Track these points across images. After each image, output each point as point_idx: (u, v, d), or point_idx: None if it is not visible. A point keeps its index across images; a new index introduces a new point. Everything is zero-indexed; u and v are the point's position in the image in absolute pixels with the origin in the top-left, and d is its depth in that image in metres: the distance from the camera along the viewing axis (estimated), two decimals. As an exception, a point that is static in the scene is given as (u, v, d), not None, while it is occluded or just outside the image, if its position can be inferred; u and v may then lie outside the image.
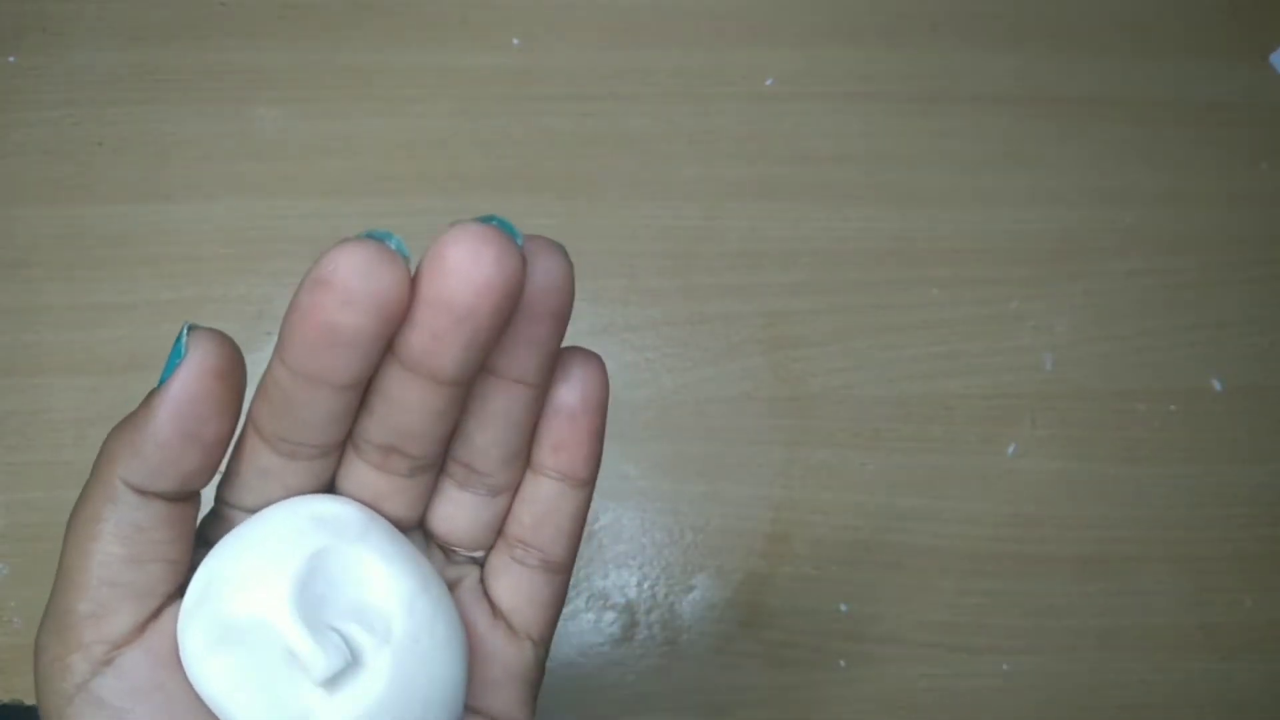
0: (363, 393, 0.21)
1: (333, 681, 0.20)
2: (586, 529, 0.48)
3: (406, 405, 0.21)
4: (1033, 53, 0.57)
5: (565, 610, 0.47)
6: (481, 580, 0.25)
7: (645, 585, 0.47)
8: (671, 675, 0.46)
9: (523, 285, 0.19)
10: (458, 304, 0.18)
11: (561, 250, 0.21)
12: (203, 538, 0.23)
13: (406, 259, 0.19)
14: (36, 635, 0.22)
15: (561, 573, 0.25)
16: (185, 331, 0.20)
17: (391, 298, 0.18)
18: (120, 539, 0.21)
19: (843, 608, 0.48)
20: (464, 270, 0.18)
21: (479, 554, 0.25)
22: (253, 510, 0.22)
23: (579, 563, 0.47)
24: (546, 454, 0.23)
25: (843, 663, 0.47)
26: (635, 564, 0.48)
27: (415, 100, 0.53)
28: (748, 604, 0.47)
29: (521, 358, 0.21)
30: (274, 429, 0.21)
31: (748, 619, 0.47)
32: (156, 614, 0.22)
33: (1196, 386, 0.52)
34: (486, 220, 0.19)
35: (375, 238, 0.19)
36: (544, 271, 0.20)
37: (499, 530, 0.24)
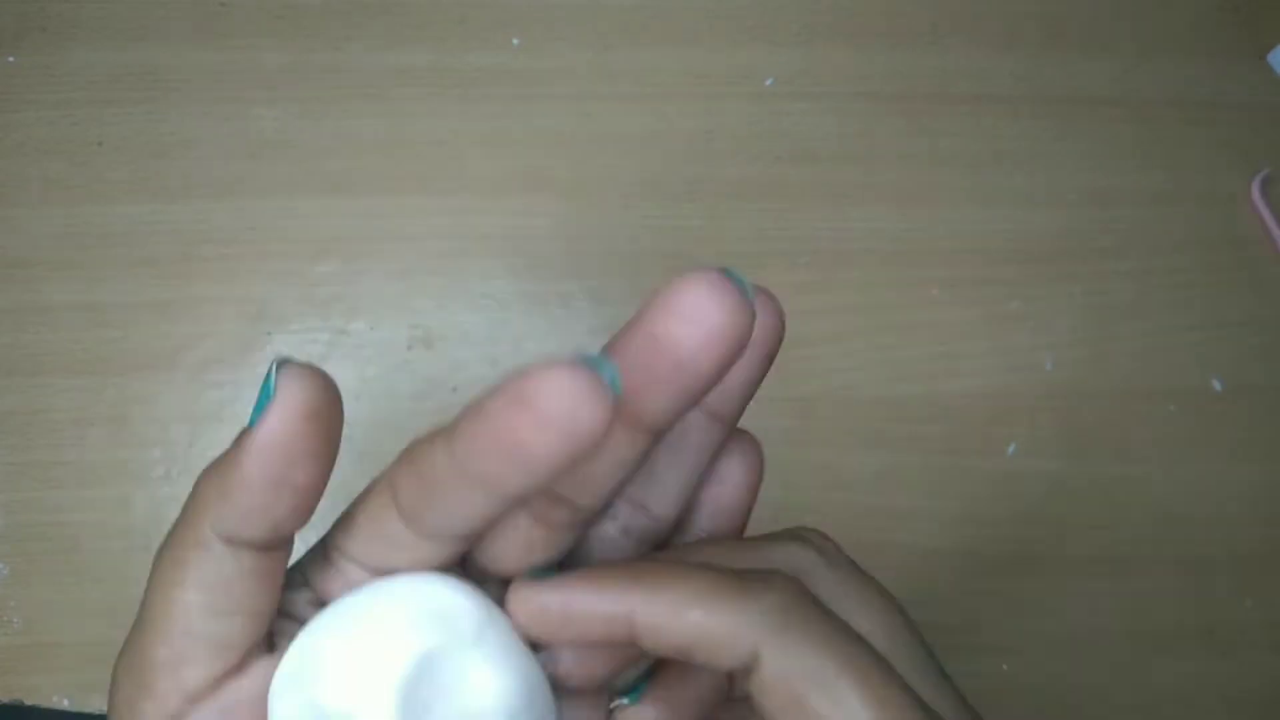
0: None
1: None
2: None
3: (595, 451, 0.19)
4: (1032, 53, 0.57)
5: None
6: None
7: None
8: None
9: (747, 341, 0.18)
10: (682, 348, 0.18)
11: (774, 299, 0.21)
12: (300, 577, 0.22)
13: (617, 395, 0.17)
14: (114, 667, 0.21)
15: None
16: (274, 368, 0.19)
17: (594, 434, 0.17)
18: (203, 588, 0.20)
19: (843, 608, 0.48)
20: (697, 314, 0.18)
21: None
22: (366, 565, 0.21)
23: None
24: (704, 519, 0.24)
25: (843, 663, 0.47)
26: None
27: (415, 100, 0.53)
28: (748, 604, 0.47)
29: (730, 398, 0.22)
30: (415, 508, 0.19)
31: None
32: (237, 669, 0.20)
33: (1196, 386, 0.52)
34: (725, 272, 0.18)
35: (590, 365, 0.17)
36: (764, 321, 0.21)
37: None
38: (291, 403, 0.18)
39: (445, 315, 0.49)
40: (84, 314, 0.49)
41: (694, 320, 0.18)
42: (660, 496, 0.22)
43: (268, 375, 0.19)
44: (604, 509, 0.22)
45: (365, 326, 0.49)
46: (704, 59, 0.55)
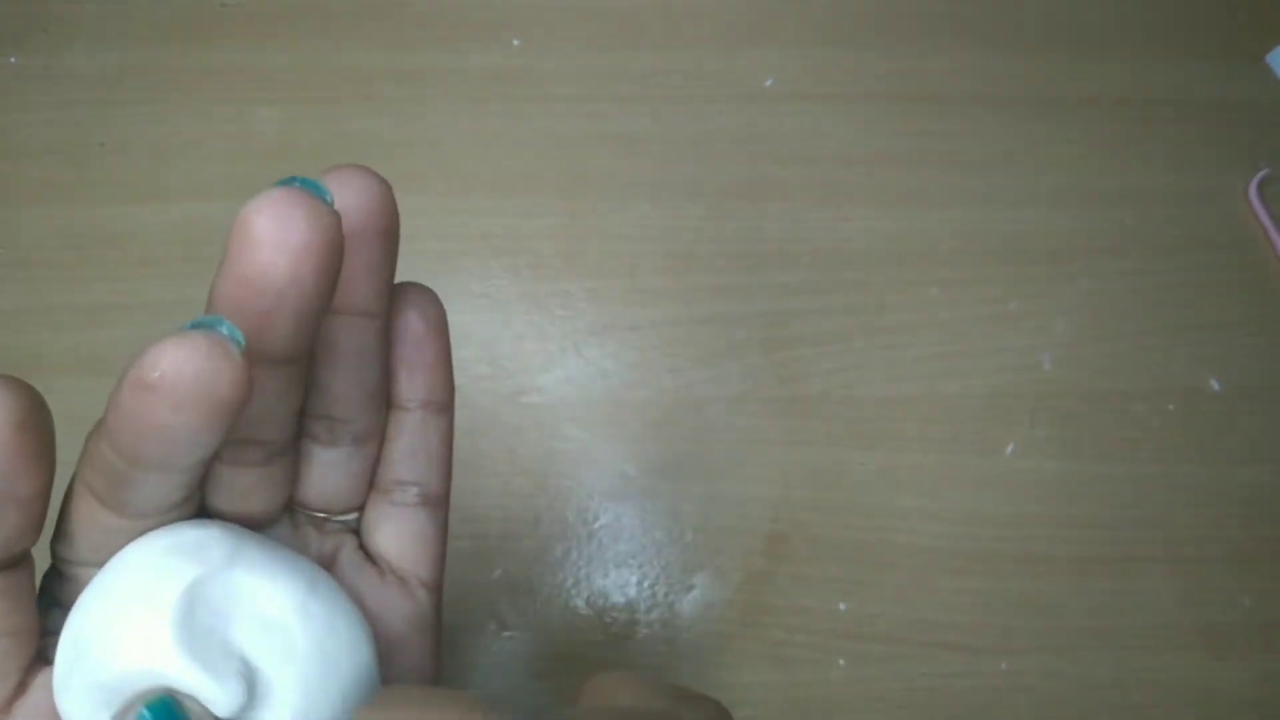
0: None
1: (244, 711, 0.19)
2: (587, 527, 0.48)
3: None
4: (1031, 54, 0.57)
5: (565, 606, 0.47)
6: (360, 544, 0.24)
7: (645, 584, 0.48)
8: (671, 674, 0.46)
9: (341, 239, 0.18)
10: (276, 276, 0.17)
11: (368, 171, 0.20)
12: (49, 599, 0.21)
13: (241, 346, 0.17)
14: None
15: (441, 506, 0.24)
16: None
17: (230, 397, 0.17)
18: None
19: (842, 607, 0.48)
20: (275, 238, 0.17)
21: (352, 517, 0.24)
22: (98, 564, 0.20)
23: (579, 561, 0.47)
24: (403, 383, 0.23)
25: (842, 662, 0.47)
26: (635, 563, 0.48)
27: (415, 100, 0.53)
28: (747, 603, 0.47)
29: (361, 288, 0.21)
30: (112, 498, 0.19)
31: (747, 618, 0.47)
32: (21, 688, 0.20)
33: (1195, 386, 0.52)
34: (287, 183, 0.18)
35: (204, 327, 0.17)
36: (358, 196, 0.20)
37: (371, 481, 0.24)
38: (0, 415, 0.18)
39: (445, 315, 0.49)
40: (85, 314, 0.49)
41: (275, 247, 0.17)
42: (341, 403, 0.22)
43: None
44: (294, 433, 0.22)
45: (365, 326, 0.50)
46: (704, 60, 0.55)
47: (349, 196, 0.20)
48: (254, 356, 0.18)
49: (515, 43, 0.55)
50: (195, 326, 0.17)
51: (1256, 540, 0.50)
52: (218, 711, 0.19)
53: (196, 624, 0.19)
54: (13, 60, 0.53)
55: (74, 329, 0.48)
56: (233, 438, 0.20)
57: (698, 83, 0.55)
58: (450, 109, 0.53)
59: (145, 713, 0.18)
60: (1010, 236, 0.54)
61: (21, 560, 0.19)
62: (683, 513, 0.48)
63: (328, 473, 0.23)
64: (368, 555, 0.24)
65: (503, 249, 0.51)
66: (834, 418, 0.50)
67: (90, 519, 0.20)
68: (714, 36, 0.56)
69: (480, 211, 0.52)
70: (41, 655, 0.20)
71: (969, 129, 0.55)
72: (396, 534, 0.24)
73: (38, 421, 0.18)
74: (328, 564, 0.23)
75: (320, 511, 0.23)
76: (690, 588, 0.48)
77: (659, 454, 0.49)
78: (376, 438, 0.23)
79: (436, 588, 0.24)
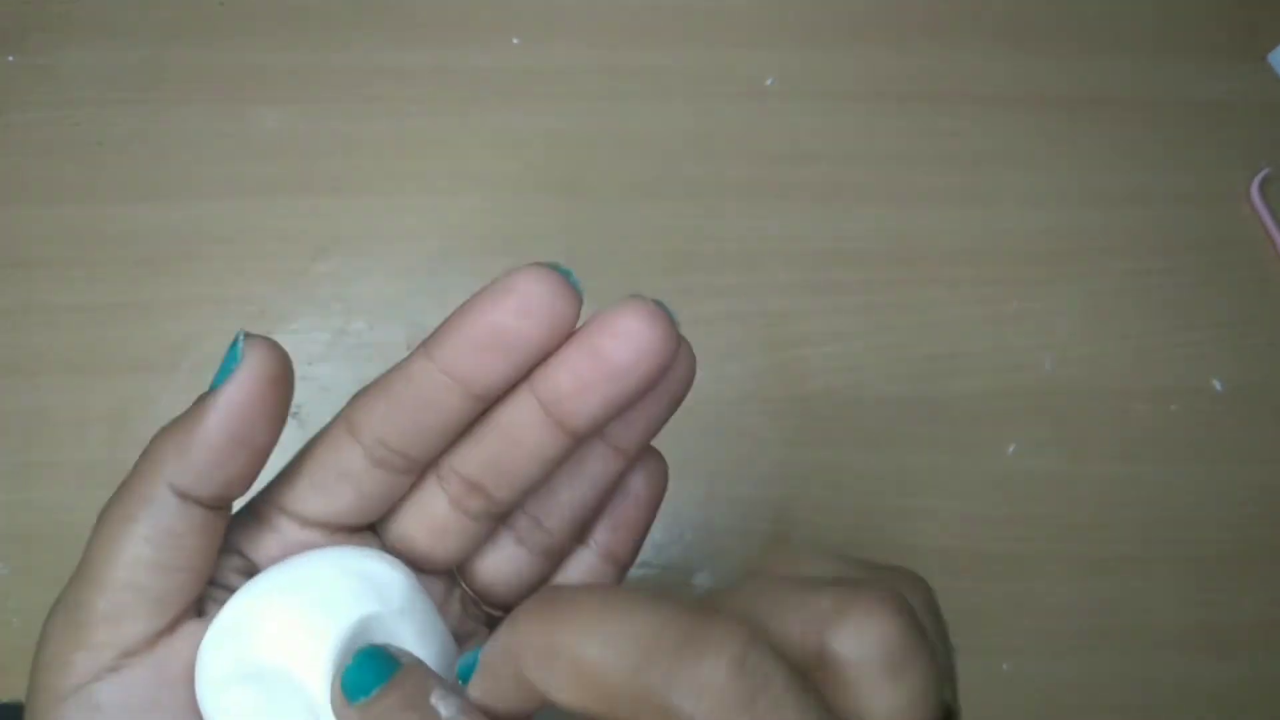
0: (479, 414, 0.21)
1: None
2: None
3: (520, 442, 0.21)
4: (1032, 53, 0.57)
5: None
6: None
7: (646, 585, 0.47)
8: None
9: (669, 367, 0.20)
10: (616, 361, 0.20)
11: (692, 352, 0.23)
12: (228, 544, 0.22)
13: (581, 297, 0.20)
14: (45, 623, 0.22)
15: None
16: (241, 338, 0.20)
17: (564, 320, 0.20)
18: (152, 542, 0.20)
19: (843, 608, 0.48)
20: (632, 334, 0.20)
21: (499, 613, 0.25)
22: (305, 518, 0.22)
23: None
24: (602, 530, 0.25)
25: (843, 663, 0.47)
26: (636, 564, 0.48)
27: (415, 100, 0.53)
28: (748, 604, 0.47)
29: (633, 430, 0.23)
30: (383, 430, 0.21)
31: (748, 619, 0.47)
32: (172, 628, 0.21)
33: (1197, 386, 0.52)
34: (661, 305, 0.20)
35: (559, 271, 0.20)
36: (681, 365, 0.22)
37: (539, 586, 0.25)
38: (258, 368, 0.20)
39: (445, 314, 0.49)
40: (84, 314, 0.49)
41: (630, 340, 0.20)
42: (555, 513, 0.24)
43: (233, 344, 0.20)
44: (512, 512, 0.23)
45: (365, 326, 0.49)
46: (704, 59, 0.55)
47: (676, 366, 0.22)
48: (552, 411, 0.21)
49: (515, 42, 0.55)
50: (552, 266, 0.20)
51: (1258, 540, 0.50)
52: None
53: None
54: (11, 59, 0.52)
55: (73, 328, 0.48)
56: (473, 474, 0.22)
57: (699, 82, 0.55)
58: (450, 108, 0.53)
59: (360, 660, 0.20)
60: (1012, 236, 0.54)
61: (225, 507, 0.21)
62: (683, 513, 0.48)
63: (506, 566, 0.24)
64: None
65: (503, 248, 0.51)
66: (835, 418, 0.50)
67: (334, 461, 0.22)
68: (715, 36, 0.56)
69: (480, 211, 0.52)
70: (199, 605, 0.22)
71: (970, 129, 0.55)
72: None
73: (286, 382, 0.21)
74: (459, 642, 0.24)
75: (479, 596, 0.25)
76: (691, 588, 0.47)
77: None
78: (558, 559, 0.25)
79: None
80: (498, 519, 0.23)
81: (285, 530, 0.22)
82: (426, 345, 0.21)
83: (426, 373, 0.21)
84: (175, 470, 0.20)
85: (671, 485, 0.50)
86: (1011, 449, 0.50)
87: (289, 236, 0.50)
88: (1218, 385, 0.52)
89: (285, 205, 0.51)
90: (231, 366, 0.20)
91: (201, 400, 0.21)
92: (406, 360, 0.21)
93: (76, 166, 0.51)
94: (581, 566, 0.25)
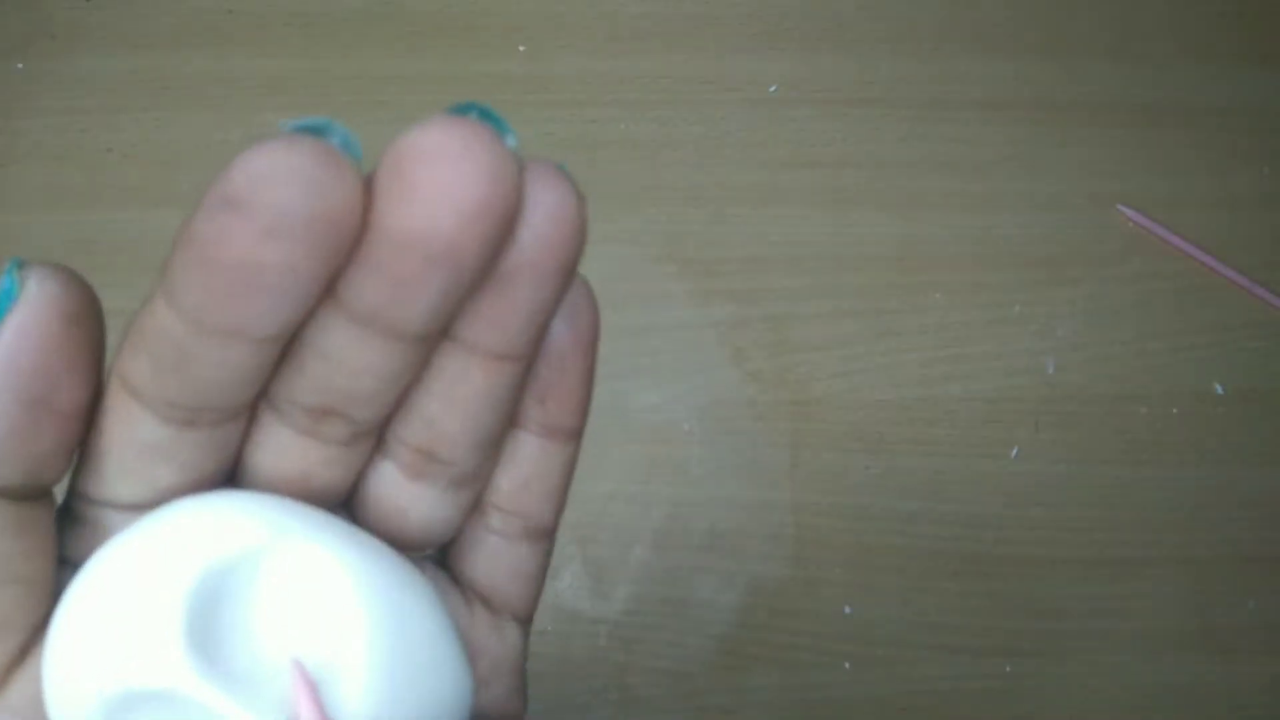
0: (288, 342, 0.15)
1: None
2: (591, 531, 0.48)
3: (353, 365, 0.15)
4: (1033, 58, 0.57)
5: (570, 608, 0.47)
6: (446, 564, 0.20)
7: (649, 588, 0.48)
8: (675, 678, 0.47)
9: (518, 205, 0.14)
10: (433, 239, 0.13)
11: (567, 178, 0.15)
12: (61, 559, 0.17)
13: (357, 161, 0.13)
14: None
15: (547, 539, 0.20)
16: (13, 267, 0.15)
17: (338, 220, 0.13)
18: None
19: (847, 610, 0.48)
20: (441, 189, 0.13)
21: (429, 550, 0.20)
22: (124, 503, 0.16)
23: (584, 564, 0.48)
24: (531, 408, 0.18)
25: (847, 664, 0.47)
26: (638, 566, 0.48)
27: (422, 107, 0.53)
28: (751, 607, 0.48)
29: (511, 328, 0.16)
30: (161, 392, 0.15)
31: (752, 622, 0.48)
32: (19, 659, 0.16)
33: (1198, 389, 0.52)
34: (464, 110, 0.14)
35: (312, 130, 0.13)
36: (545, 210, 0.15)
37: (462, 521, 0.19)
38: (46, 304, 0.14)
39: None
40: (93, 319, 0.49)
41: (439, 194, 0.13)
42: (447, 444, 0.17)
43: (7, 274, 0.14)
44: (384, 422, 0.17)
45: (372, 331, 0.50)
46: (708, 66, 0.56)
47: (534, 204, 0.15)
48: (375, 325, 0.15)
49: (521, 49, 0.55)
50: (301, 130, 0.13)
51: (1261, 543, 0.50)
52: None
53: (220, 623, 0.15)
54: (20, 67, 0.53)
55: (83, 334, 0.49)
56: (315, 404, 0.16)
57: (703, 88, 0.55)
58: (456, 115, 0.54)
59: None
60: (1013, 241, 0.54)
61: (43, 495, 0.16)
62: (686, 516, 0.49)
63: (411, 507, 0.18)
64: (455, 578, 0.20)
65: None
66: (838, 421, 0.50)
67: (127, 434, 0.16)
68: (719, 43, 0.56)
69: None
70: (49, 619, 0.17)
71: (971, 134, 0.56)
72: (491, 563, 0.20)
73: (90, 319, 0.15)
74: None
75: (391, 542, 0.19)
76: (694, 591, 0.48)
77: (662, 457, 0.49)
78: (480, 481, 0.19)
79: (528, 621, 0.21)
80: (371, 435, 0.17)
81: (107, 520, 0.17)
82: (164, 289, 0.14)
83: (180, 327, 0.14)
84: None
85: (675, 489, 0.51)
86: (1014, 452, 0.50)
87: (296, 242, 0.51)
88: (1219, 388, 0.52)
89: (292, 211, 0.51)
90: (4, 307, 0.14)
91: None
92: (148, 308, 0.15)
93: (85, 173, 0.51)
94: (522, 452, 0.18)
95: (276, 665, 0.15)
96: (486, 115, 0.14)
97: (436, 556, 0.20)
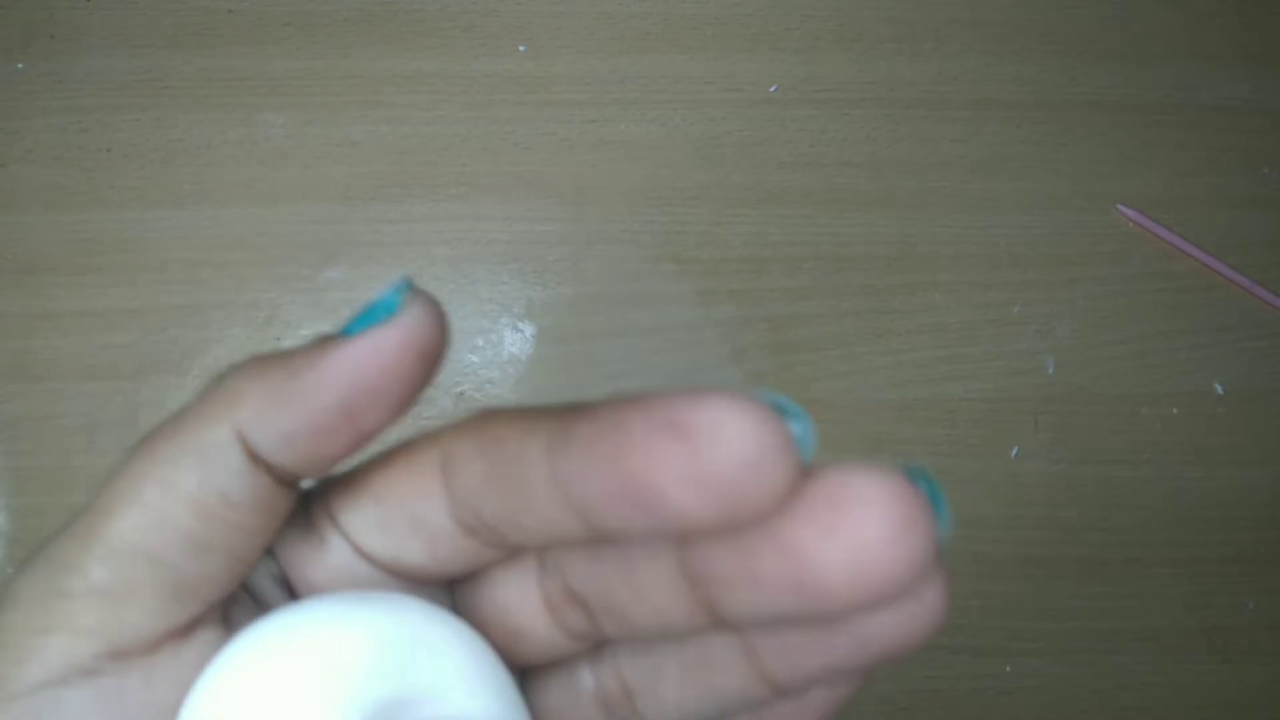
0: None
1: None
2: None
3: (648, 601, 0.15)
4: (1034, 58, 0.57)
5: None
6: None
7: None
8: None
9: (906, 592, 0.13)
10: (824, 582, 0.13)
11: (948, 589, 0.14)
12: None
13: (807, 465, 0.13)
14: (13, 582, 0.15)
15: None
16: (405, 287, 0.15)
17: (759, 501, 0.12)
18: (195, 504, 0.15)
19: (847, 610, 0.48)
20: (860, 546, 0.12)
21: None
22: (363, 550, 0.16)
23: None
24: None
25: (847, 665, 0.47)
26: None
27: (422, 106, 0.54)
28: (752, 607, 0.48)
29: (801, 672, 0.15)
30: (475, 498, 0.15)
31: (752, 622, 0.47)
32: (185, 631, 0.15)
33: (1198, 389, 0.52)
34: (916, 476, 0.13)
35: (777, 406, 0.13)
36: (918, 605, 0.14)
37: None
38: (410, 331, 0.15)
39: (451, 320, 0.50)
40: (93, 320, 0.49)
41: (850, 546, 0.12)
42: (655, 702, 0.16)
43: (395, 290, 0.15)
44: (601, 651, 0.17)
45: (372, 331, 0.50)
46: (709, 66, 0.56)
47: (912, 599, 0.14)
48: (718, 614, 0.14)
49: (521, 49, 0.55)
50: (767, 400, 0.13)
51: (1261, 543, 0.50)
52: None
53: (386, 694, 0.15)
54: (20, 66, 0.53)
55: (83, 334, 0.49)
56: (583, 591, 0.15)
57: (703, 88, 0.55)
58: (457, 114, 0.54)
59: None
60: (1013, 241, 0.54)
61: (296, 487, 0.16)
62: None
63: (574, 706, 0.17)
64: None
65: (509, 254, 0.51)
66: (838, 422, 0.50)
67: (414, 498, 0.15)
68: (719, 43, 0.56)
69: (487, 217, 0.52)
70: (225, 609, 0.16)
71: (971, 133, 0.56)
72: None
73: (434, 363, 0.15)
74: None
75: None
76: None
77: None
78: None
79: None
80: (596, 645, 0.17)
81: (335, 550, 0.16)
82: (556, 438, 0.14)
83: (538, 472, 0.14)
84: (254, 418, 0.15)
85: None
86: (1014, 452, 0.50)
87: (297, 243, 0.51)
88: (1219, 388, 0.52)
89: (293, 211, 0.51)
90: (379, 317, 0.15)
91: (319, 342, 0.15)
92: (521, 436, 0.14)
93: (85, 172, 0.51)
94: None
95: None
96: (935, 497, 0.13)
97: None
